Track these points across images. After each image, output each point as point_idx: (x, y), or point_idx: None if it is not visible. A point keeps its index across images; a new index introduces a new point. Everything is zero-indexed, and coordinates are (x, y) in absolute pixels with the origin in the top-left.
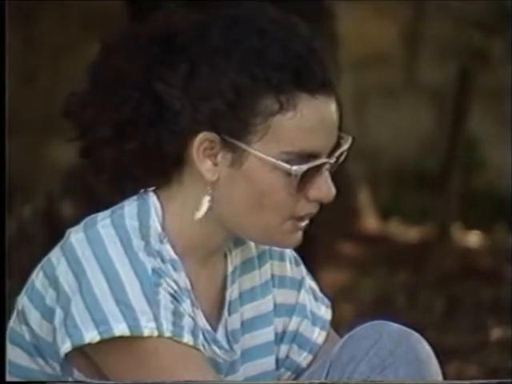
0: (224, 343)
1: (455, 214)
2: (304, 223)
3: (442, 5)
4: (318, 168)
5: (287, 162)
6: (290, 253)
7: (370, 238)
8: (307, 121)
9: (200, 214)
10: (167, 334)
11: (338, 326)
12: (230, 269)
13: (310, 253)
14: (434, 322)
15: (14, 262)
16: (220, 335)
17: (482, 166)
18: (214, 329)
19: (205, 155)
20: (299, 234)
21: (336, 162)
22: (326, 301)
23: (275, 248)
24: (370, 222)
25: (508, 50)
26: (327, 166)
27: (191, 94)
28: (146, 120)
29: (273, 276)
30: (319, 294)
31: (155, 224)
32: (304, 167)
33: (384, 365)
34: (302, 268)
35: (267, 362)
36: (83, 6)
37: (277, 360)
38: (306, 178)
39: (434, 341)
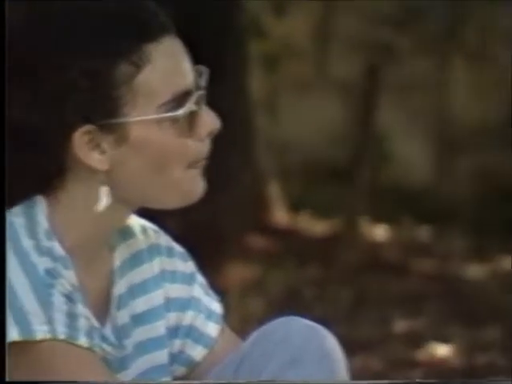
0: (112, 339)
1: (363, 207)
2: (202, 167)
3: (350, 1)
4: (196, 103)
5: (167, 112)
6: (178, 249)
7: (279, 232)
8: (165, 66)
9: (101, 205)
10: (61, 336)
11: (248, 320)
12: (117, 263)
13: (219, 246)
14: (341, 315)
15: None
16: (108, 331)
17: (390, 160)
18: (102, 324)
19: (88, 149)
20: (202, 181)
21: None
22: (216, 296)
23: (163, 244)
24: (280, 215)
25: (415, 45)
26: (202, 99)
27: (43, 106)
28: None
29: (164, 271)
30: (209, 290)
31: (42, 220)
32: (187, 106)
33: (293, 361)
34: (191, 263)
35: (159, 356)
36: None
37: (170, 355)
38: (190, 119)
39: (340, 334)
